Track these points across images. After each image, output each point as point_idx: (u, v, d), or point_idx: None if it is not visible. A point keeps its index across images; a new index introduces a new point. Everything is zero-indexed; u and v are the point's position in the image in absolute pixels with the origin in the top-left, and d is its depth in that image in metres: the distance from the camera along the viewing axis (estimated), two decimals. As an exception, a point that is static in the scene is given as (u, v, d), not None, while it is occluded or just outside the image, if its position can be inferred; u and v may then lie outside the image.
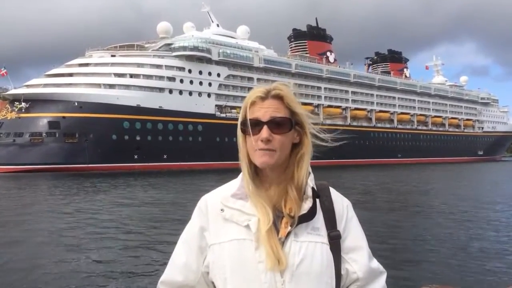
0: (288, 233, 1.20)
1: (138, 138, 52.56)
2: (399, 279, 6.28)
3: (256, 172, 1.26)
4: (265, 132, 1.20)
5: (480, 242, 9.71)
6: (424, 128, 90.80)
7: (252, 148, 1.22)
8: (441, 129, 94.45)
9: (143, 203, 17.43)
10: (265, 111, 1.22)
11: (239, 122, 1.26)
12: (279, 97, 1.24)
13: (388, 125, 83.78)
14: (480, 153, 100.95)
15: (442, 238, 10.13)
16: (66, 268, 7.68)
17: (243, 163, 1.26)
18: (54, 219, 13.38)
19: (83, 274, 7.23)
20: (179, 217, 12.60)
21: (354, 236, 1.29)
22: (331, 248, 1.23)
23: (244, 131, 1.24)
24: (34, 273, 7.35)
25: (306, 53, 79.29)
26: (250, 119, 1.22)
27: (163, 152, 53.58)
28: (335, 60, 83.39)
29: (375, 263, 1.31)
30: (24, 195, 21.44)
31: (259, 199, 1.22)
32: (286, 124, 1.23)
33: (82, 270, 7.48)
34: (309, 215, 1.22)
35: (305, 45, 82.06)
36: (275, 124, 1.21)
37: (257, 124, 1.21)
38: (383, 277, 1.32)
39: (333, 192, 1.32)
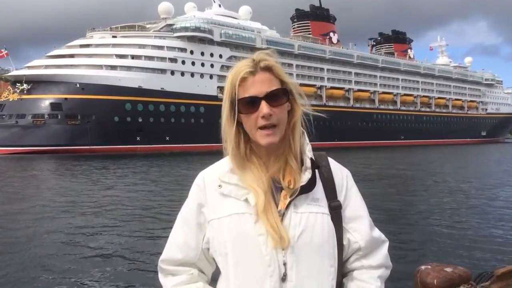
0: (288, 205, 1.19)
1: (140, 119, 52.54)
2: (399, 258, 6.32)
3: (251, 148, 1.25)
4: (265, 108, 1.17)
5: (481, 222, 9.75)
6: (428, 109, 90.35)
7: (253, 127, 1.20)
8: (444, 110, 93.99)
9: (142, 183, 17.54)
10: (260, 86, 1.19)
11: (227, 102, 1.22)
12: (268, 69, 1.21)
13: (391, 107, 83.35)
14: (484, 134, 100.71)
15: (442, 218, 10.17)
16: (62, 248, 7.76)
17: (230, 146, 1.23)
18: (50, 200, 13.48)
19: (78, 255, 7.30)
20: (177, 196, 12.67)
21: (354, 205, 1.28)
22: (332, 219, 1.22)
23: (238, 111, 1.20)
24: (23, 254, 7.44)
25: (309, 34, 78.43)
26: (245, 98, 1.19)
27: (165, 134, 53.63)
28: (338, 41, 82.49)
29: (377, 232, 1.30)
30: (26, 176, 21.59)
31: (248, 182, 1.21)
32: (283, 95, 1.21)
33: (78, 250, 7.55)
34: (309, 186, 1.21)
35: (308, 26, 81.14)
36: (272, 97, 1.19)
37: (253, 102, 1.18)
38: (385, 246, 1.31)
39: (332, 162, 1.30)
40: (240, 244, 1.18)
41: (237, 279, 1.18)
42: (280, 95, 1.20)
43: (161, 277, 1.30)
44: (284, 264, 1.16)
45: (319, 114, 1.33)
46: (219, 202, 1.23)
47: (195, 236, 1.26)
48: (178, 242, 1.28)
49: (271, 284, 1.16)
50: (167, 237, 1.33)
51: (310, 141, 1.29)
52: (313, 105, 1.32)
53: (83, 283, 5.94)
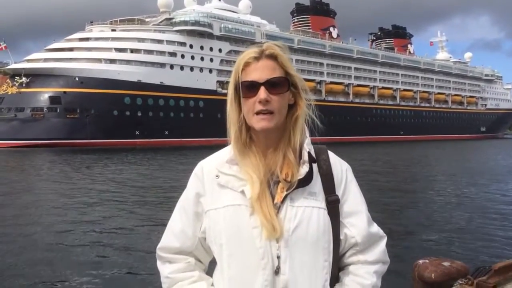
0: (284, 198, 1.19)
1: (139, 114, 52.47)
2: (397, 251, 6.35)
3: (251, 137, 1.24)
4: (263, 93, 1.18)
5: (480, 216, 9.77)
6: (427, 105, 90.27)
7: (250, 111, 1.20)
8: (444, 106, 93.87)
9: (140, 177, 17.54)
10: (261, 71, 1.19)
11: (231, 86, 1.23)
12: (273, 57, 1.22)
13: (390, 102, 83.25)
14: (483, 130, 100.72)
15: (441, 213, 10.19)
16: (57, 240, 7.78)
17: (233, 130, 1.23)
18: (50, 195, 13.50)
19: (77, 246, 7.32)
20: (175, 187, 12.66)
21: (352, 200, 1.28)
22: (329, 213, 1.22)
23: (239, 95, 1.21)
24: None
25: (309, 29, 78.23)
26: (245, 81, 1.19)
27: (164, 128, 53.57)
28: (338, 35, 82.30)
29: (375, 228, 1.30)
30: (22, 170, 21.58)
31: (246, 169, 1.21)
32: (283, 84, 1.21)
33: (75, 242, 7.57)
34: (306, 180, 1.20)
35: (308, 20, 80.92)
36: (272, 85, 1.19)
37: (253, 86, 1.19)
38: (383, 242, 1.31)
39: (332, 156, 1.30)
40: (235, 236, 1.18)
41: (230, 270, 1.19)
42: (280, 84, 1.20)
43: (159, 264, 1.32)
44: (278, 257, 1.16)
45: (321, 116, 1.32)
46: (216, 193, 1.24)
47: (193, 226, 1.27)
48: (176, 230, 1.29)
49: (264, 277, 1.16)
50: (164, 226, 1.34)
51: (318, 135, 1.29)
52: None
53: (77, 280, 5.96)
